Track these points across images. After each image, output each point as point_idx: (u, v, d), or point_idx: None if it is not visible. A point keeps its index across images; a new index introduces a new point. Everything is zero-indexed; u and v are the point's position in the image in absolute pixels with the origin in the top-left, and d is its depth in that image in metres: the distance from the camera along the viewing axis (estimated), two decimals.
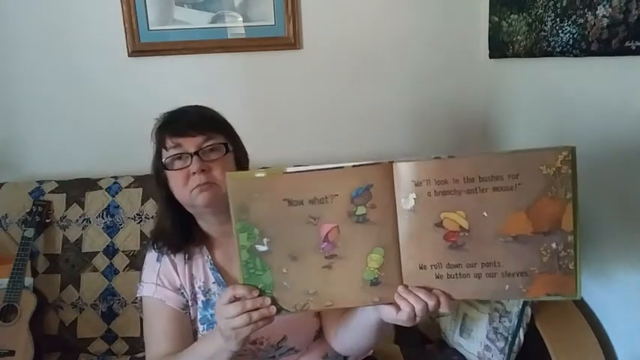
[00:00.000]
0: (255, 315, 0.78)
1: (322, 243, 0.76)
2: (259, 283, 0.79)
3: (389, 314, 0.79)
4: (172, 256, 1.05)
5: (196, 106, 1.05)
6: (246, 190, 0.76)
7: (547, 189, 0.70)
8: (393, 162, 0.73)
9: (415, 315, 0.76)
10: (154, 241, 1.06)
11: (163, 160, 0.98)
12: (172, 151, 0.97)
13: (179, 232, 1.04)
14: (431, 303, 0.75)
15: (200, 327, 1.05)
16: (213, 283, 1.06)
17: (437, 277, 0.75)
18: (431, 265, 0.75)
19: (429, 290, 0.76)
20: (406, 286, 0.77)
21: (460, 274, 0.74)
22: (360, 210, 0.74)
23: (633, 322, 1.09)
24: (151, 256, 1.08)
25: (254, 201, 0.76)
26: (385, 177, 0.73)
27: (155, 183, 1.05)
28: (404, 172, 0.73)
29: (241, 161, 1.05)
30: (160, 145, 1.00)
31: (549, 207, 0.71)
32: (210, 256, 1.07)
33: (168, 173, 0.99)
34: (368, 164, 0.74)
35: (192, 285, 1.05)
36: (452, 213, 0.73)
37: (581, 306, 1.24)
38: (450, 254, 0.74)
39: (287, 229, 0.76)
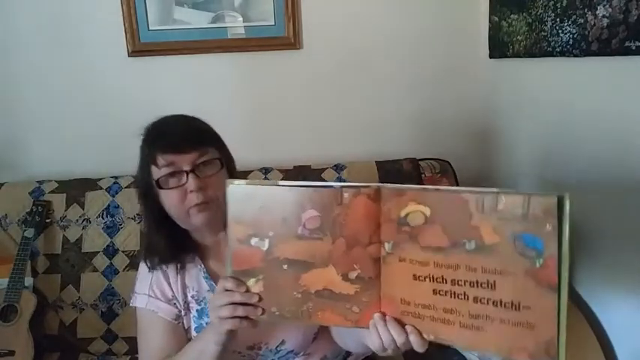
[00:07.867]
0: (240, 310, 0.76)
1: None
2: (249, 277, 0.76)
3: (364, 338, 0.77)
4: (165, 266, 1.03)
5: (182, 117, 1.00)
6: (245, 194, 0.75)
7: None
8: (380, 188, 0.69)
9: (384, 347, 0.72)
10: (146, 257, 1.03)
11: (156, 178, 0.94)
12: (165, 170, 0.93)
13: (171, 245, 1.01)
14: (399, 340, 0.71)
15: (195, 335, 1.03)
16: (208, 291, 1.03)
17: (417, 316, 0.71)
18: (414, 303, 0.70)
19: (402, 325, 0.72)
20: (383, 314, 0.73)
21: (444, 319, 0.69)
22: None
23: (633, 321, 1.09)
24: (144, 266, 1.05)
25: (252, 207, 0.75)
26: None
27: (142, 198, 1.01)
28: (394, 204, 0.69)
29: (233, 172, 1.03)
30: (150, 162, 0.95)
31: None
32: (203, 266, 1.05)
33: (162, 191, 0.95)
34: (356, 186, 0.70)
35: (184, 294, 1.04)
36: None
37: (581, 306, 1.24)
38: (436, 299, 0.69)
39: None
